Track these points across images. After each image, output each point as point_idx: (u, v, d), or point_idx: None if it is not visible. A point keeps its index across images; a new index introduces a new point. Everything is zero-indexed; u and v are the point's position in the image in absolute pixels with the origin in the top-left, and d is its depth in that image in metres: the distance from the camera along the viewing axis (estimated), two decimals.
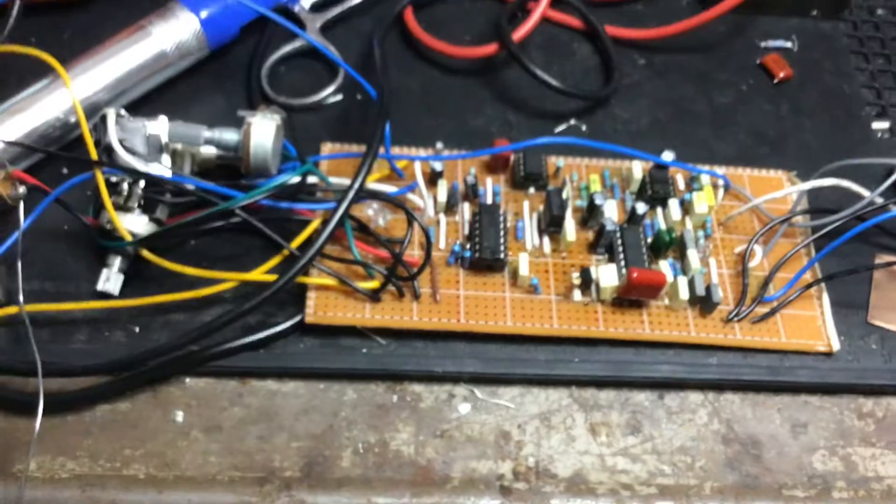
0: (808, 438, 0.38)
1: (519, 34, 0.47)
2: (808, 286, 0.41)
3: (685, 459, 0.37)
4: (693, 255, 0.41)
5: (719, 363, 0.39)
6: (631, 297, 0.39)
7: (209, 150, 0.40)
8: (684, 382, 0.39)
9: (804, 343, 0.40)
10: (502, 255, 0.40)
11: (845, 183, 0.42)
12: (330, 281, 0.38)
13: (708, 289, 0.40)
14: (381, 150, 0.40)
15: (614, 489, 0.36)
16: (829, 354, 0.40)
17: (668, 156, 0.43)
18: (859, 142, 0.48)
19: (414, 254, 0.40)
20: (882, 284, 0.43)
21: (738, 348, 0.40)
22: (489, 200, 0.42)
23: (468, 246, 0.40)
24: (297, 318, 0.38)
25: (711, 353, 0.39)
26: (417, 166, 0.41)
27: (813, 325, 0.40)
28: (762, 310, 0.40)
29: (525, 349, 0.39)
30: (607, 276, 0.39)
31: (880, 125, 0.49)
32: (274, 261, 0.39)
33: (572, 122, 0.47)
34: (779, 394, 0.39)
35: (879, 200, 0.42)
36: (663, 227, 0.42)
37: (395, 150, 0.43)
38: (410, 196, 0.41)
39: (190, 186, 0.38)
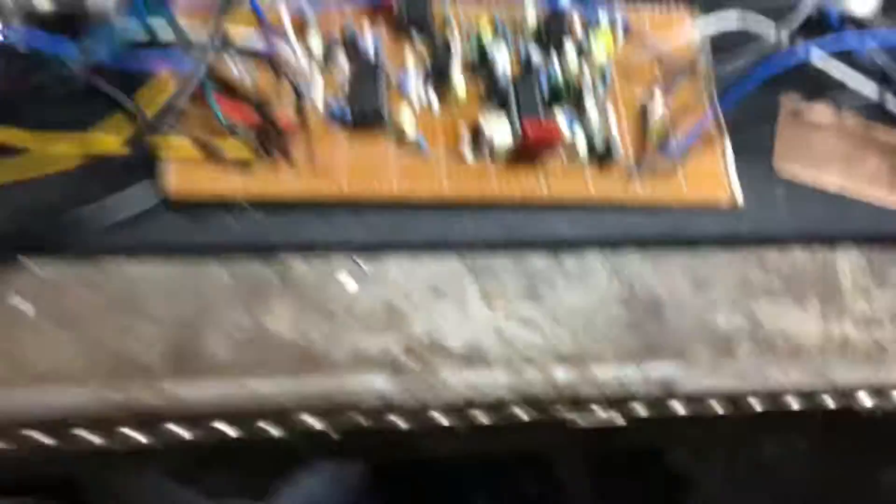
0: (711, 296, 0.37)
1: None
2: (711, 137, 0.39)
3: (584, 324, 0.35)
4: (591, 106, 0.38)
5: (619, 221, 0.37)
6: (527, 155, 0.36)
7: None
8: (583, 241, 0.37)
9: (707, 196, 0.38)
10: (384, 112, 0.36)
11: (752, 24, 0.39)
12: (191, 149, 0.34)
13: (607, 142, 0.37)
14: None
15: (510, 359, 0.34)
16: (732, 208, 0.38)
17: None
18: None
19: (288, 115, 0.36)
20: (787, 132, 0.40)
21: (638, 205, 0.37)
22: (371, 52, 0.38)
23: (346, 103, 0.36)
24: (156, 192, 0.34)
25: (611, 211, 0.37)
26: (284, 12, 0.36)
27: (716, 178, 0.38)
28: (664, 163, 0.38)
29: (413, 215, 0.36)
30: (500, 132, 0.36)
31: None
32: (125, 129, 0.34)
33: None
34: (681, 250, 0.38)
35: (786, 42, 0.40)
36: (559, 75, 0.39)
37: None
38: (279, 50, 0.37)
39: (20, 48, 0.33)
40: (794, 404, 0.36)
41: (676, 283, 0.37)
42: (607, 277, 0.37)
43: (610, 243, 0.37)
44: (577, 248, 0.37)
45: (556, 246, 0.37)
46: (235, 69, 0.35)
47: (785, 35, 0.39)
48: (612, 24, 0.41)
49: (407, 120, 0.36)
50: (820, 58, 0.39)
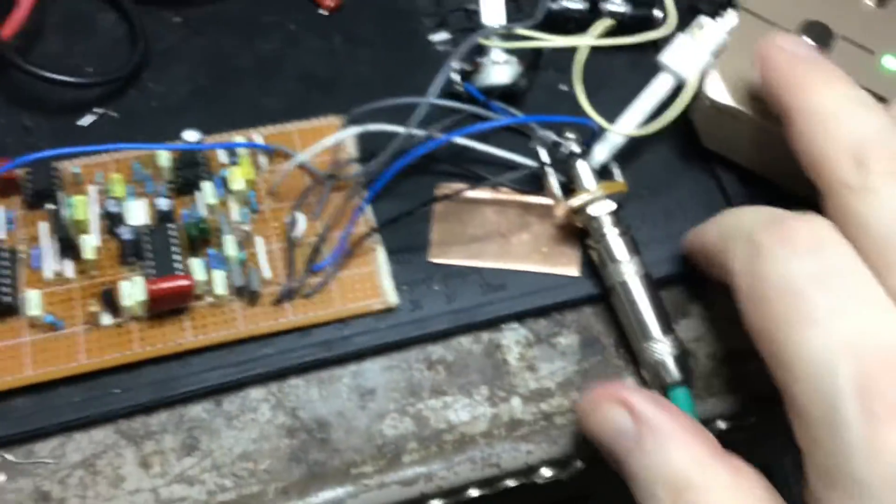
0: (376, 405, 0.37)
1: (11, 25, 0.42)
2: (362, 242, 0.39)
3: (247, 466, 0.36)
4: (230, 243, 0.38)
5: (276, 350, 0.37)
6: (164, 309, 0.37)
7: None
8: (241, 382, 0.37)
9: (361, 305, 0.38)
10: (8, 298, 0.36)
11: (373, 126, 0.40)
12: None
13: (248, 274, 0.37)
14: None
15: None
16: (389, 311, 0.39)
17: (190, 136, 0.40)
18: (419, 60, 0.46)
19: None
20: (442, 218, 0.41)
21: (294, 329, 0.38)
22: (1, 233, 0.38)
23: None
24: None
25: (267, 341, 0.37)
26: None
27: (370, 283, 0.39)
28: (316, 280, 0.38)
29: (57, 394, 0.35)
30: (130, 293, 0.36)
31: (439, 37, 0.47)
32: None
33: (98, 111, 0.43)
34: (344, 366, 0.38)
35: (421, 133, 0.40)
36: (198, 217, 0.39)
37: None
38: None
39: None
40: (475, 493, 0.37)
41: (342, 401, 0.37)
42: (271, 410, 0.37)
43: (271, 376, 0.37)
44: (237, 389, 0.37)
45: (215, 391, 0.37)
46: None
47: (414, 126, 0.39)
48: (252, 150, 0.41)
49: (36, 299, 0.36)
50: (466, 139, 0.40)
